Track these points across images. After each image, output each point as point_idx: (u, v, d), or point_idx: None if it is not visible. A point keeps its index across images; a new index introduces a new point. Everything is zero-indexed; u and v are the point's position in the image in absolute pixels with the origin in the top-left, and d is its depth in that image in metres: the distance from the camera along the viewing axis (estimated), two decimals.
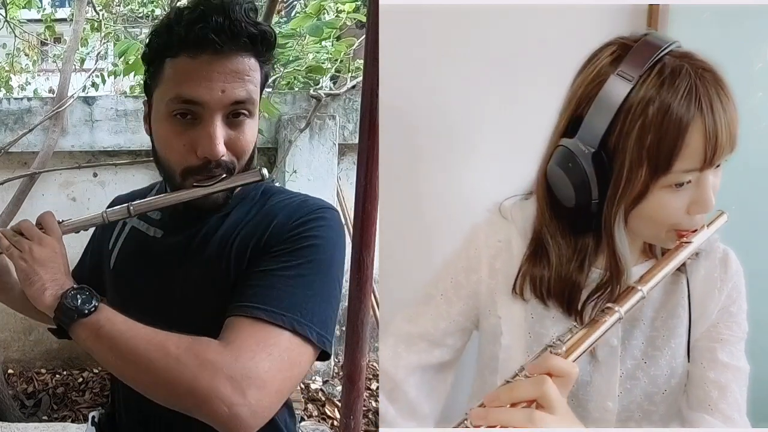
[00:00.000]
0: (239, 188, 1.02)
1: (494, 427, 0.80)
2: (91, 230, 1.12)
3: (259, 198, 1.03)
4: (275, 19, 2.65)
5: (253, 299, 0.90)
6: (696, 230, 0.98)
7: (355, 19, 2.76)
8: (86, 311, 0.89)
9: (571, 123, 0.98)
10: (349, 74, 3.06)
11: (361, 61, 1.59)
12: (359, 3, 2.74)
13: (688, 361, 1.09)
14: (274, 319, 0.89)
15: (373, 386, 2.77)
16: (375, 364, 2.63)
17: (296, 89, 3.19)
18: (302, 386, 2.87)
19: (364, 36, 1.33)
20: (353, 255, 1.30)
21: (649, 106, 0.90)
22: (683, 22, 1.64)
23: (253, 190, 1.04)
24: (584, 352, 0.86)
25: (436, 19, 1.26)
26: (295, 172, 2.94)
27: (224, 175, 0.96)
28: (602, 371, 1.08)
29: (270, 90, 3.07)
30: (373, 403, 2.66)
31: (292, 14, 3.16)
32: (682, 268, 1.08)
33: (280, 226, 0.96)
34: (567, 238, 1.04)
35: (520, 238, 1.10)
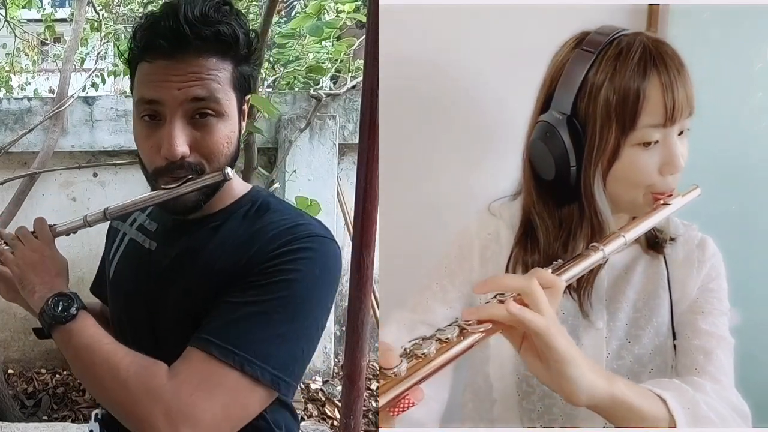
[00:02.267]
0: (235, 200, 1.01)
1: (484, 322, 0.81)
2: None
3: (254, 213, 1.00)
4: (275, 19, 2.64)
5: (212, 333, 0.88)
6: (671, 194, 1.03)
7: (355, 19, 2.76)
8: (63, 319, 0.90)
9: (546, 101, 1.06)
10: (350, 74, 3.06)
11: (361, 61, 1.59)
12: (359, 3, 2.74)
13: (674, 340, 1.13)
14: (225, 357, 0.86)
15: (373, 386, 2.75)
16: (375, 364, 2.62)
17: (296, 89, 3.18)
18: (302, 386, 2.86)
19: (364, 36, 1.33)
20: (353, 255, 1.30)
21: (610, 72, 0.99)
22: (683, 22, 1.65)
23: (248, 203, 1.02)
24: (570, 279, 0.89)
25: (435, 19, 1.27)
26: (295, 171, 2.93)
27: (190, 177, 0.93)
28: (589, 352, 1.11)
29: (270, 90, 3.07)
30: (373, 403, 2.66)
31: (293, 14, 3.16)
32: (660, 252, 1.16)
33: (259, 254, 0.93)
34: (552, 214, 1.10)
35: (507, 230, 1.16)
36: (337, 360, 3.06)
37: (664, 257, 1.17)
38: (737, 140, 1.82)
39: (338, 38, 2.94)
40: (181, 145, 0.91)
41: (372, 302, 1.34)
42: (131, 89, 0.99)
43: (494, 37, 1.33)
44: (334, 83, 3.23)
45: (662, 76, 0.98)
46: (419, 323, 1.14)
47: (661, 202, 1.03)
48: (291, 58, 3.05)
